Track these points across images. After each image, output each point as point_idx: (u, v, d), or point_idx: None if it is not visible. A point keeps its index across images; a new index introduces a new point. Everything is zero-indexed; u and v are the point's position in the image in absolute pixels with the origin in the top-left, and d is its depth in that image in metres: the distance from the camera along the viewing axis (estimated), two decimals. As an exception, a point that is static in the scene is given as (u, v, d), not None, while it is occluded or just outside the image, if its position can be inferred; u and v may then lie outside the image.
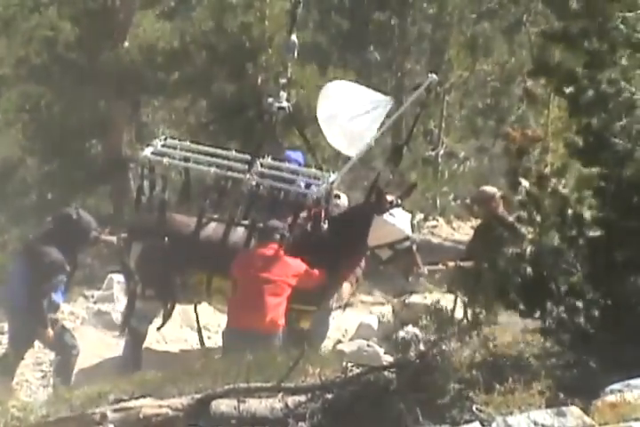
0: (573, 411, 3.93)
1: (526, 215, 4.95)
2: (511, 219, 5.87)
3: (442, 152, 20.87)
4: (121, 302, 10.96)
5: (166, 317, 8.94)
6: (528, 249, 4.91)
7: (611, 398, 4.02)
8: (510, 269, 4.87)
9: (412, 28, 20.58)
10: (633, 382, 4.13)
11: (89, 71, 16.38)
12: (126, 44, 16.58)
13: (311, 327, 8.79)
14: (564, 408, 3.96)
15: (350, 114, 8.96)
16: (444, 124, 20.77)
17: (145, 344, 9.75)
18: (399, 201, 8.61)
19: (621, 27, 4.73)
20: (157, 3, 17.19)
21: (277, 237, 8.39)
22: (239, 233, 8.76)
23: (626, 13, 4.75)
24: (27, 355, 9.41)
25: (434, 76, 9.08)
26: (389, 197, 8.58)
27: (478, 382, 4.44)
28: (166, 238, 8.68)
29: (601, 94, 4.73)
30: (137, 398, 5.36)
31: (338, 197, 9.20)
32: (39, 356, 9.66)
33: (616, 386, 4.14)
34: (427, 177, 20.15)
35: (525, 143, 5.17)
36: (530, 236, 4.91)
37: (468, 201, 9.06)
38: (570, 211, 4.84)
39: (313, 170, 9.12)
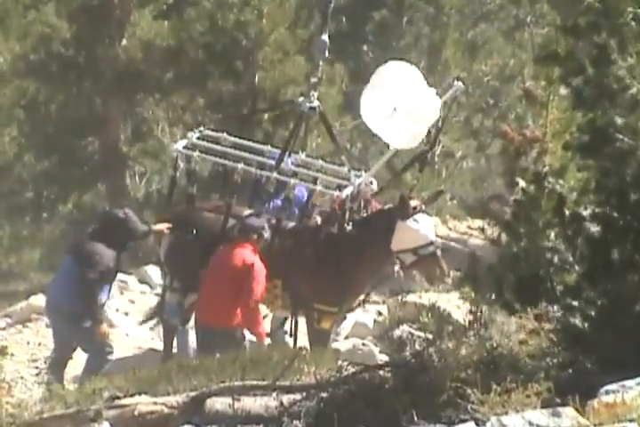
0: (568, 411, 3.92)
1: (523, 214, 4.94)
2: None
3: (438, 151, 20.86)
4: (115, 299, 10.95)
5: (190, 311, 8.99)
6: (525, 248, 4.90)
7: (606, 399, 4.00)
8: (506, 268, 4.87)
9: (410, 28, 20.59)
10: (628, 382, 4.12)
11: (86, 68, 16.36)
12: (124, 41, 16.57)
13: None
14: (559, 409, 3.95)
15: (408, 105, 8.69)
16: (440, 124, 20.75)
17: (148, 345, 9.87)
18: (423, 207, 8.56)
19: (632, 23, 4.71)
20: (155, 1, 17.15)
21: (254, 236, 8.31)
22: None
23: (637, 10, 4.72)
24: (21, 351, 9.39)
25: (460, 84, 9.02)
26: (413, 203, 8.51)
27: (475, 381, 4.43)
28: (194, 231, 8.68)
29: (607, 89, 4.70)
30: (132, 396, 5.36)
31: (370, 182, 9.65)
32: (34, 353, 9.65)
33: (612, 387, 4.13)
34: (423, 176, 20.13)
35: (523, 143, 5.16)
36: (526, 234, 4.90)
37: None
38: (567, 210, 4.82)
39: (343, 168, 9.02)
